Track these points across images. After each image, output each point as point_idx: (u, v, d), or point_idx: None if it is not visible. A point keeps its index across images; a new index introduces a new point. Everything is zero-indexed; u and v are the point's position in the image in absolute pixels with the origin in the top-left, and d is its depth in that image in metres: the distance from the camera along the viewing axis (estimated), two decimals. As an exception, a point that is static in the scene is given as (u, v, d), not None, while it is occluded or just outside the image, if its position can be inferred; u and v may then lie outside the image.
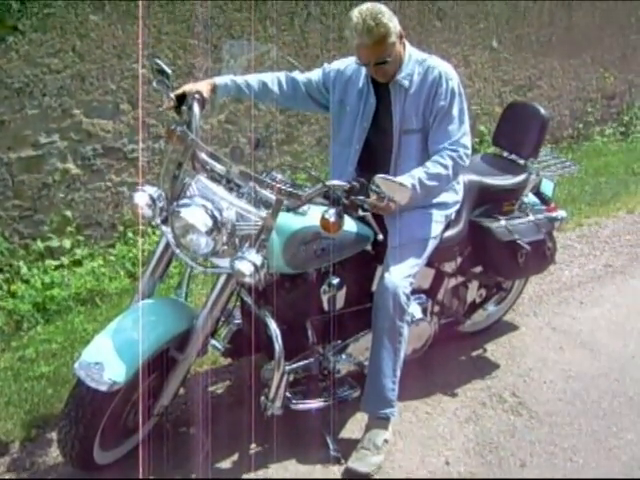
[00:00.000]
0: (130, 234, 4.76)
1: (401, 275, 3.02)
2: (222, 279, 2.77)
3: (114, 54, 4.51)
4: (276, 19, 5.20)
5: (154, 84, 2.93)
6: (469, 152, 3.07)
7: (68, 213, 4.53)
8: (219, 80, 3.09)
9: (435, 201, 3.19)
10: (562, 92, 7.58)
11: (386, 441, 3.11)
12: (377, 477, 2.99)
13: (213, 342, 3.02)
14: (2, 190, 4.28)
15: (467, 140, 3.07)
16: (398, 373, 3.10)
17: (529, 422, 3.38)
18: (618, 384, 3.67)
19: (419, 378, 3.54)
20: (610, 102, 8.15)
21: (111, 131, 4.61)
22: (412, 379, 3.44)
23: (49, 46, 4.25)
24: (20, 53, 4.16)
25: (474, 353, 3.92)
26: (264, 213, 2.66)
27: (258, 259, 2.59)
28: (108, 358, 2.58)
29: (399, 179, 2.72)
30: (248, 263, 2.58)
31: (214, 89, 3.04)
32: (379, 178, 2.62)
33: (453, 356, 3.85)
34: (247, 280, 2.60)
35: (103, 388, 2.54)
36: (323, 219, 2.66)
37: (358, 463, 3.02)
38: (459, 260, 3.53)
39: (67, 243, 4.51)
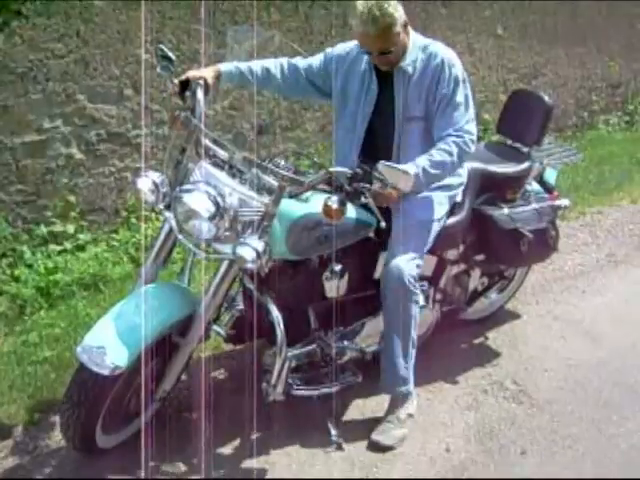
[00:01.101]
0: (133, 220, 4.77)
1: (407, 258, 3.03)
2: (224, 265, 2.77)
3: (118, 39, 4.51)
4: (280, 5, 5.18)
5: (158, 70, 2.93)
6: (474, 138, 3.05)
7: (72, 198, 4.54)
8: (223, 67, 3.08)
9: (439, 184, 3.16)
10: (567, 80, 7.55)
11: (410, 415, 3.20)
12: (378, 477, 2.99)
13: (215, 328, 3.03)
14: (6, 175, 4.28)
15: (472, 126, 3.05)
16: (410, 351, 3.14)
17: (530, 410, 3.40)
18: (619, 373, 3.67)
19: (420, 365, 3.53)
20: (615, 91, 8.12)
21: (115, 116, 4.61)
22: (413, 367, 3.47)
23: (53, 31, 4.24)
24: (24, 38, 4.15)
25: (476, 341, 3.93)
26: (266, 199, 2.66)
27: (260, 245, 2.59)
28: (110, 342, 2.59)
29: (402, 166, 2.71)
30: (250, 249, 2.58)
31: (218, 76, 3.04)
32: (382, 165, 2.62)
33: (455, 343, 3.86)
34: (249, 266, 2.60)
35: (105, 372, 2.55)
36: (326, 206, 2.65)
37: (381, 436, 3.11)
38: (461, 248, 3.52)
39: (70, 228, 4.51)
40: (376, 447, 3.09)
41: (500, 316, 4.14)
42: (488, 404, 3.43)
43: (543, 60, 7.24)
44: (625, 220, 5.68)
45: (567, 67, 7.51)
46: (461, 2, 6.33)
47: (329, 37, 5.34)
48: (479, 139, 4.28)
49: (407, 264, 3.02)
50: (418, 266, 3.09)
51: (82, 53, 4.38)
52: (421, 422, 3.28)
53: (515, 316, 4.18)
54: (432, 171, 2.91)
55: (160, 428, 2.97)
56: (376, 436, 3.12)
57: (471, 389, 3.53)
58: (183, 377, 3.12)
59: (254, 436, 3.10)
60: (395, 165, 2.67)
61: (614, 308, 4.31)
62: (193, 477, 2.91)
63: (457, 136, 2.99)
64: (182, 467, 2.95)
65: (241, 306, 3.13)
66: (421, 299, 3.26)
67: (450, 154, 2.95)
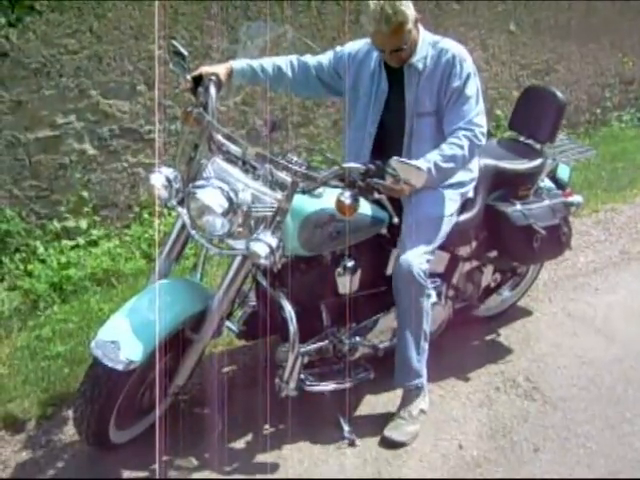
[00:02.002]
0: (146, 215, 4.78)
1: (417, 253, 3.03)
2: (237, 261, 2.78)
3: (131, 35, 4.51)
4: (293, 1, 5.17)
5: (171, 66, 2.95)
6: (484, 131, 3.05)
7: (84, 194, 4.56)
8: (236, 64, 3.09)
9: (450, 181, 3.17)
10: (580, 77, 7.51)
11: (422, 411, 3.20)
12: (384, 477, 2.99)
13: (228, 324, 3.04)
14: (19, 170, 4.30)
15: (482, 119, 3.05)
16: (423, 345, 3.15)
17: (542, 407, 3.39)
18: (632, 371, 3.65)
19: (433, 362, 3.53)
20: (628, 87, 8.06)
21: (128, 112, 4.62)
22: (426, 362, 3.46)
23: (66, 26, 4.26)
24: (37, 33, 4.16)
25: (488, 338, 3.92)
26: (279, 195, 2.67)
27: (273, 241, 2.60)
28: (124, 337, 2.60)
29: (415, 162, 2.71)
30: (263, 245, 2.59)
31: (230, 73, 3.04)
32: (395, 161, 2.62)
33: (467, 340, 3.85)
34: (262, 262, 2.61)
35: (119, 367, 2.56)
36: (338, 201, 2.67)
37: (394, 432, 3.11)
38: (474, 244, 3.51)
39: (83, 223, 4.53)
40: (388, 443, 3.10)
41: (513, 313, 4.13)
42: (501, 401, 3.42)
43: (556, 56, 7.20)
44: (639, 217, 5.64)
45: (580, 63, 7.46)
46: (474, -2, 6.31)
47: (341, 33, 5.33)
48: (490, 135, 4.27)
49: (417, 258, 3.03)
50: (428, 261, 3.09)
51: (95, 49, 4.39)
52: (434, 419, 3.27)
53: (528, 313, 4.17)
54: (444, 165, 2.92)
55: (173, 423, 2.98)
56: (388, 432, 3.12)
57: (484, 386, 3.52)
58: (196, 372, 3.12)
59: (266, 431, 3.12)
60: (407, 161, 2.66)
61: (627, 305, 4.29)
62: (204, 474, 2.92)
63: (467, 129, 2.99)
64: (195, 462, 2.96)
65: (254, 302, 3.13)
66: (433, 294, 3.27)
67: (461, 147, 2.96)
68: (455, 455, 3.08)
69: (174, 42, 2.95)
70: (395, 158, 2.63)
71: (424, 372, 3.19)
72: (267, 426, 3.12)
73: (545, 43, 7.05)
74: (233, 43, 4.78)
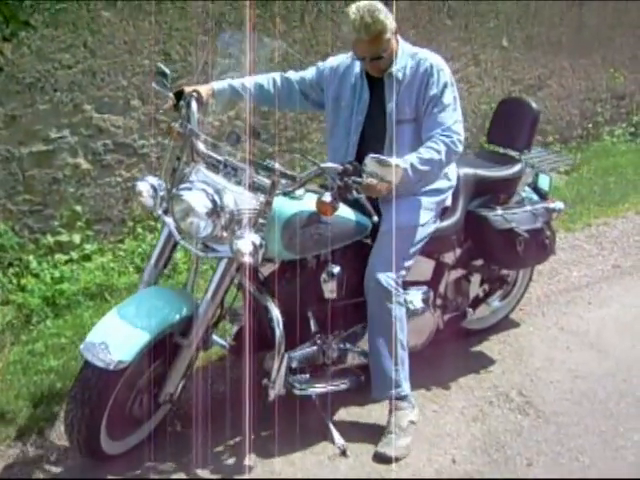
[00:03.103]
0: (139, 229, 4.79)
1: (386, 261, 3.08)
2: (223, 264, 2.84)
3: (125, 50, 4.53)
4: (286, 16, 5.20)
5: (153, 84, 3.11)
6: (462, 138, 3.11)
7: (78, 208, 4.56)
8: (217, 84, 3.21)
9: (427, 188, 3.25)
10: (572, 92, 7.55)
11: (412, 422, 3.20)
12: (384, 477, 3.00)
13: (219, 340, 3.06)
14: (13, 185, 4.30)
15: (459, 127, 3.12)
16: (401, 354, 3.16)
17: (536, 421, 3.39)
18: (625, 384, 3.66)
19: (426, 376, 3.56)
20: (620, 102, 8.11)
21: (122, 127, 4.63)
22: (419, 377, 3.47)
23: (61, 41, 4.27)
24: (32, 48, 4.18)
25: (481, 352, 3.92)
26: (261, 197, 2.74)
27: (257, 239, 2.67)
28: (113, 338, 2.66)
29: (390, 159, 2.76)
30: (247, 242, 2.64)
31: (212, 93, 3.16)
32: (370, 158, 2.70)
33: (460, 354, 3.85)
34: (246, 259, 2.65)
35: (110, 367, 2.60)
36: (319, 201, 2.77)
37: (386, 448, 3.10)
38: (458, 251, 3.56)
39: (77, 238, 4.53)
40: (382, 459, 3.08)
41: (506, 327, 4.14)
42: (494, 415, 3.42)
43: (548, 71, 7.25)
44: (631, 231, 5.67)
45: (572, 78, 7.51)
46: (466, 14, 6.35)
47: (335, 48, 5.36)
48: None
49: (385, 266, 3.08)
50: (401, 268, 3.13)
51: (89, 64, 4.41)
52: (427, 433, 3.27)
53: (521, 327, 4.18)
54: (420, 167, 2.98)
55: (164, 438, 3.00)
56: (381, 448, 3.11)
57: (477, 400, 3.52)
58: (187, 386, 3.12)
59: (257, 444, 3.10)
60: (383, 157, 2.73)
61: (620, 319, 4.31)
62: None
63: (445, 135, 3.06)
64: (183, 475, 2.96)
65: (244, 317, 3.14)
66: (418, 301, 3.35)
67: (438, 152, 3.03)
68: (449, 470, 3.07)
69: (159, 64, 3.12)
70: (371, 155, 2.71)
71: (404, 382, 3.19)
72: (256, 439, 3.11)
73: (537, 58, 7.10)
74: (226, 57, 4.80)
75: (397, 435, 3.13)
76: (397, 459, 3.08)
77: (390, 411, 3.21)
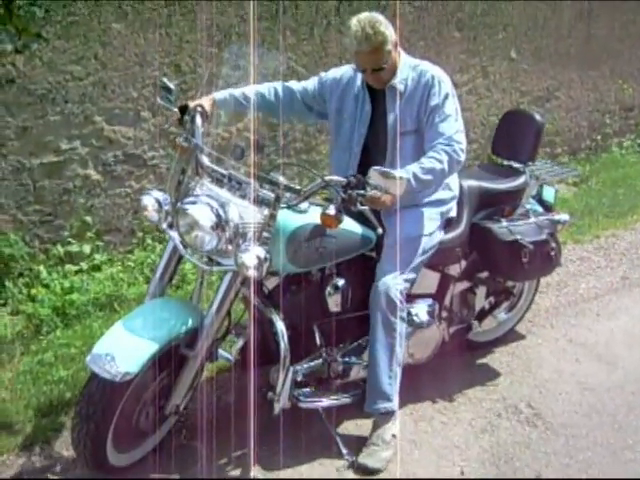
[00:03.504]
0: (149, 240, 4.81)
1: (393, 273, 3.10)
2: (228, 277, 2.84)
3: (136, 62, 4.57)
4: (296, 28, 5.23)
5: (158, 100, 3.11)
6: (463, 147, 3.12)
7: (88, 218, 4.59)
8: (218, 95, 3.22)
9: (429, 199, 3.27)
10: (580, 103, 7.56)
11: (394, 436, 3.17)
12: (382, 477, 3.01)
13: (225, 354, 3.07)
14: (24, 195, 4.33)
15: (461, 137, 3.13)
16: (395, 369, 3.16)
17: (545, 434, 3.38)
18: (634, 397, 3.65)
19: (434, 388, 3.56)
20: (628, 114, 8.11)
21: (132, 138, 4.66)
22: (427, 389, 3.48)
23: (72, 53, 4.31)
24: (43, 60, 4.22)
25: (490, 364, 3.92)
26: (266, 211, 2.75)
27: (261, 252, 2.66)
28: (119, 350, 2.65)
29: (393, 171, 2.78)
30: (252, 255, 2.64)
31: (214, 104, 3.17)
32: (374, 170, 2.71)
33: (468, 366, 3.85)
34: (251, 273, 2.66)
35: (116, 378, 2.60)
36: (323, 214, 2.78)
37: (369, 459, 3.08)
38: (463, 264, 3.55)
39: (87, 248, 4.56)
40: (363, 470, 3.06)
41: (514, 339, 4.13)
42: (503, 427, 3.42)
43: (556, 83, 7.25)
44: (639, 243, 5.66)
45: (580, 90, 7.51)
46: (475, 26, 6.37)
47: (343, 60, 5.38)
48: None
49: (394, 280, 3.09)
50: (407, 281, 3.15)
51: (100, 76, 4.44)
52: (435, 445, 3.27)
53: (529, 339, 4.17)
54: (423, 177, 2.99)
55: (168, 448, 3.01)
56: (363, 459, 3.09)
57: (485, 412, 3.52)
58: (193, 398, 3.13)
59: (264, 457, 3.10)
60: (386, 170, 2.74)
61: (628, 331, 4.30)
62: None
63: (446, 144, 3.07)
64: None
65: (249, 331, 3.15)
66: (423, 314, 3.37)
67: (440, 161, 3.03)
68: (457, 482, 3.08)
69: (163, 79, 3.12)
70: (374, 168, 2.72)
71: (395, 397, 3.18)
72: (264, 451, 3.10)
73: (545, 70, 7.11)
74: (235, 69, 4.83)
75: (380, 447, 3.12)
76: (378, 471, 3.06)
77: (375, 424, 3.19)
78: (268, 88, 3.34)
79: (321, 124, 5.04)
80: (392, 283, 3.09)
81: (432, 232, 3.26)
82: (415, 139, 3.19)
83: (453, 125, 3.11)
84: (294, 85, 3.39)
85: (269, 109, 3.39)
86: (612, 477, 3.11)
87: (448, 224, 3.41)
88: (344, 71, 3.36)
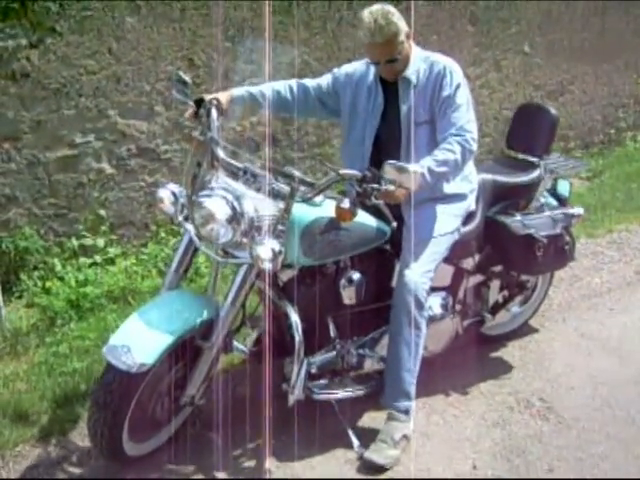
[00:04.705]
0: (162, 234, 4.83)
1: (420, 271, 3.10)
2: (243, 270, 2.86)
3: (149, 56, 4.59)
4: (308, 23, 5.24)
5: (174, 93, 3.11)
6: (475, 137, 3.12)
7: (102, 212, 4.62)
8: (235, 91, 3.24)
9: (452, 192, 3.27)
10: (594, 97, 7.53)
11: (405, 437, 3.16)
12: (385, 477, 3.01)
13: (240, 346, 3.08)
14: (38, 189, 4.37)
15: (473, 126, 3.14)
16: (417, 368, 3.16)
17: (557, 427, 3.38)
18: (647, 391, 3.65)
19: (447, 381, 3.57)
20: (642, 108, 8.08)
21: (145, 132, 4.68)
22: (440, 382, 3.48)
23: (86, 48, 4.33)
24: (57, 54, 4.24)
25: (502, 357, 3.92)
26: (281, 204, 2.77)
27: (276, 245, 2.68)
28: (136, 341, 2.67)
29: (408, 165, 2.79)
30: (267, 248, 2.67)
31: (231, 99, 3.17)
32: (388, 165, 2.72)
33: (481, 360, 3.84)
34: (266, 265, 2.67)
35: (132, 369, 2.62)
36: (337, 208, 2.80)
37: (375, 454, 3.08)
38: (477, 257, 3.56)
39: (101, 242, 4.59)
40: (369, 465, 3.05)
41: (527, 333, 4.13)
42: (515, 421, 3.42)
43: (570, 77, 7.22)
44: (653, 237, 5.64)
45: (594, 84, 7.48)
46: (488, 19, 6.35)
47: (357, 54, 5.38)
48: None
49: (420, 278, 3.09)
50: (430, 279, 3.15)
51: (114, 69, 4.47)
52: (448, 438, 3.28)
53: (542, 333, 4.17)
54: (437, 169, 2.99)
55: (183, 438, 3.03)
56: (369, 454, 3.07)
57: (498, 405, 3.52)
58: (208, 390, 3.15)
59: (277, 448, 3.12)
60: (401, 164, 2.75)
61: (642, 326, 4.29)
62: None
63: (458, 135, 3.08)
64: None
65: (264, 324, 3.17)
66: (437, 307, 3.39)
67: (453, 152, 3.04)
68: (469, 475, 3.08)
69: (179, 72, 3.13)
70: (389, 162, 2.72)
71: (413, 395, 3.18)
72: (276, 442, 3.12)
73: (559, 64, 7.08)
74: (248, 63, 4.84)
75: (388, 445, 3.09)
76: (383, 467, 3.05)
77: (388, 420, 3.17)
78: (284, 86, 3.35)
79: (329, 121, 5.04)
80: (420, 281, 3.08)
81: (455, 229, 3.27)
82: (429, 129, 3.19)
83: (464, 115, 3.12)
84: (308, 82, 3.40)
85: (284, 106, 3.39)
86: (628, 476, 3.11)
87: (469, 217, 3.41)
88: (357, 66, 3.37)
